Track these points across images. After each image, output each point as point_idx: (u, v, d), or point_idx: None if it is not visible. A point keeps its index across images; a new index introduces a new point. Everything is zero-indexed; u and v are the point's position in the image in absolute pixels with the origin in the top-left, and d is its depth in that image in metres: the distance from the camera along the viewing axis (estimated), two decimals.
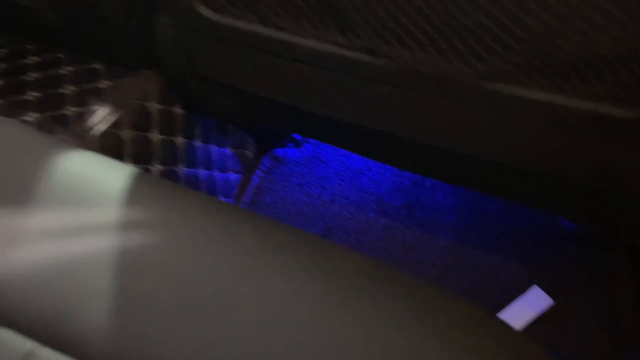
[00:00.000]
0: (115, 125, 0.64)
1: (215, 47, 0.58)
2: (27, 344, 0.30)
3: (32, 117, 0.62)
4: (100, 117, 0.63)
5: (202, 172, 0.79)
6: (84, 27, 0.65)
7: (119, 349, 0.30)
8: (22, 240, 0.34)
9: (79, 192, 0.37)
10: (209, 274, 0.33)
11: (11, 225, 0.35)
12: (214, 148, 0.83)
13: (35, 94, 0.65)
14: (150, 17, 0.61)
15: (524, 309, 0.74)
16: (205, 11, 0.53)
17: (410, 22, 0.46)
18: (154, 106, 0.69)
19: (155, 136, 0.69)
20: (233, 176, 0.86)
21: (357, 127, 0.69)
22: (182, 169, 0.74)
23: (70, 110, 0.64)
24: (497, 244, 0.80)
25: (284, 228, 0.37)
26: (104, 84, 0.67)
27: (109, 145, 0.63)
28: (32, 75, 0.67)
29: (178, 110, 0.73)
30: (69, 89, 0.66)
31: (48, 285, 0.32)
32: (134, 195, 0.37)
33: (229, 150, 0.85)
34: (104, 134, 0.62)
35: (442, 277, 0.78)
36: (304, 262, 0.34)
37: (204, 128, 0.80)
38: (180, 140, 0.74)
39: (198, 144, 0.78)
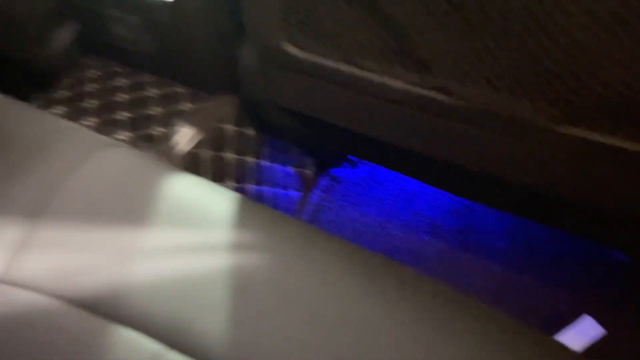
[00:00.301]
0: (196, 145, 0.69)
1: (296, 79, 0.63)
2: (153, 346, 0.35)
3: (124, 135, 0.68)
4: (183, 138, 0.69)
5: (267, 189, 0.85)
6: (173, 55, 0.71)
7: (233, 355, 0.35)
8: (145, 254, 0.39)
9: (189, 213, 0.42)
10: (309, 293, 0.37)
11: (136, 241, 0.40)
12: (278, 167, 0.88)
13: (125, 114, 0.71)
14: (237, 49, 0.66)
15: (575, 338, 0.75)
16: (291, 49, 0.58)
17: (486, 66, 0.50)
18: (230, 128, 0.75)
19: (230, 156, 0.75)
20: (293, 194, 0.91)
21: (417, 155, 0.73)
22: (250, 187, 0.79)
23: (157, 130, 0.70)
24: (548, 271, 0.82)
25: (371, 256, 0.41)
26: (186, 106, 0.73)
27: (191, 164, 0.69)
28: (122, 97, 0.74)
29: (250, 132, 0.79)
30: (155, 110, 0.72)
31: (170, 295, 0.37)
32: (238, 218, 0.42)
33: (290, 170, 0.90)
34: (187, 154, 0.68)
35: (492, 302, 0.80)
36: (395, 290, 0.38)
37: (271, 148, 0.85)
38: (250, 160, 0.79)
39: (265, 163, 0.83)
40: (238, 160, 0.76)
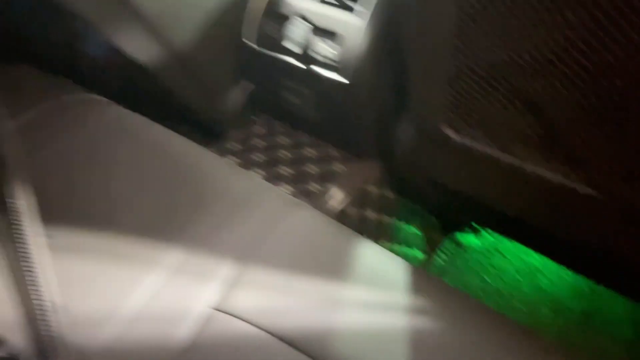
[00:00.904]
0: (345, 204, 0.78)
1: (447, 156, 0.70)
2: None
3: (287, 189, 0.79)
4: (335, 196, 0.78)
5: (395, 247, 0.91)
6: (333, 122, 0.82)
7: None
8: (338, 305, 0.47)
9: (371, 274, 0.50)
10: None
11: (330, 292, 0.48)
12: (406, 227, 0.94)
13: (287, 169, 0.82)
14: (394, 123, 0.75)
15: None
16: (449, 132, 0.65)
17: (638, 166, 0.54)
18: (373, 190, 0.83)
19: (371, 214, 0.83)
20: (418, 253, 0.97)
21: (546, 232, 0.76)
22: (385, 244, 0.86)
23: (314, 186, 0.80)
24: None
25: (529, 331, 0.46)
26: (338, 167, 0.83)
27: (339, 219, 0.77)
28: (285, 153, 0.85)
29: (388, 194, 0.87)
30: (312, 169, 0.82)
31: (359, 342, 0.45)
32: (412, 283, 0.49)
33: (417, 230, 0.97)
34: (340, 212, 0.77)
35: None
36: None
37: (403, 209, 0.92)
38: (386, 219, 0.87)
39: (397, 222, 0.90)
40: (377, 219, 0.84)
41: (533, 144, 0.60)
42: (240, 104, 0.93)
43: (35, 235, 0.54)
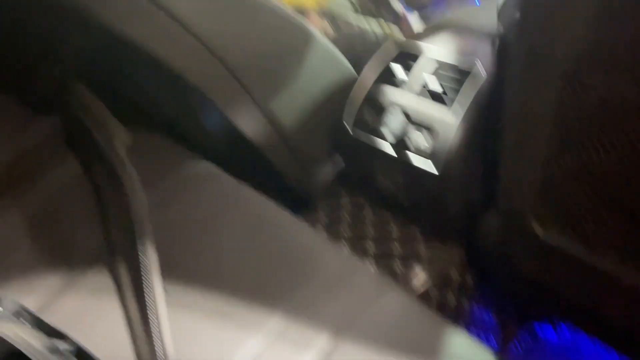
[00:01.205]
0: (428, 286, 0.81)
1: (529, 249, 0.72)
2: None
3: (371, 265, 0.83)
4: (419, 277, 0.82)
5: (473, 330, 0.92)
6: (418, 204, 0.86)
7: None
8: None
9: None
10: None
11: None
12: (482, 311, 0.95)
13: (372, 245, 0.87)
14: (481, 213, 0.78)
15: None
16: (537, 228, 0.68)
17: None
18: (454, 274, 0.86)
19: (450, 298, 0.85)
20: (492, 340, 0.96)
21: (631, 334, 0.75)
22: (463, 328, 0.87)
23: (397, 265, 0.83)
24: None
25: None
26: (421, 249, 0.86)
27: (421, 301, 0.80)
28: (369, 230, 0.90)
29: (469, 280, 0.89)
30: (396, 248, 0.86)
31: None
32: None
33: (493, 317, 0.97)
34: (421, 294, 0.80)
35: None
36: None
37: (481, 295, 0.93)
38: (465, 304, 0.88)
39: (475, 308, 0.92)
40: (456, 303, 0.86)
41: (626, 251, 0.61)
42: (330, 178, 1.00)
43: (158, 290, 0.61)
